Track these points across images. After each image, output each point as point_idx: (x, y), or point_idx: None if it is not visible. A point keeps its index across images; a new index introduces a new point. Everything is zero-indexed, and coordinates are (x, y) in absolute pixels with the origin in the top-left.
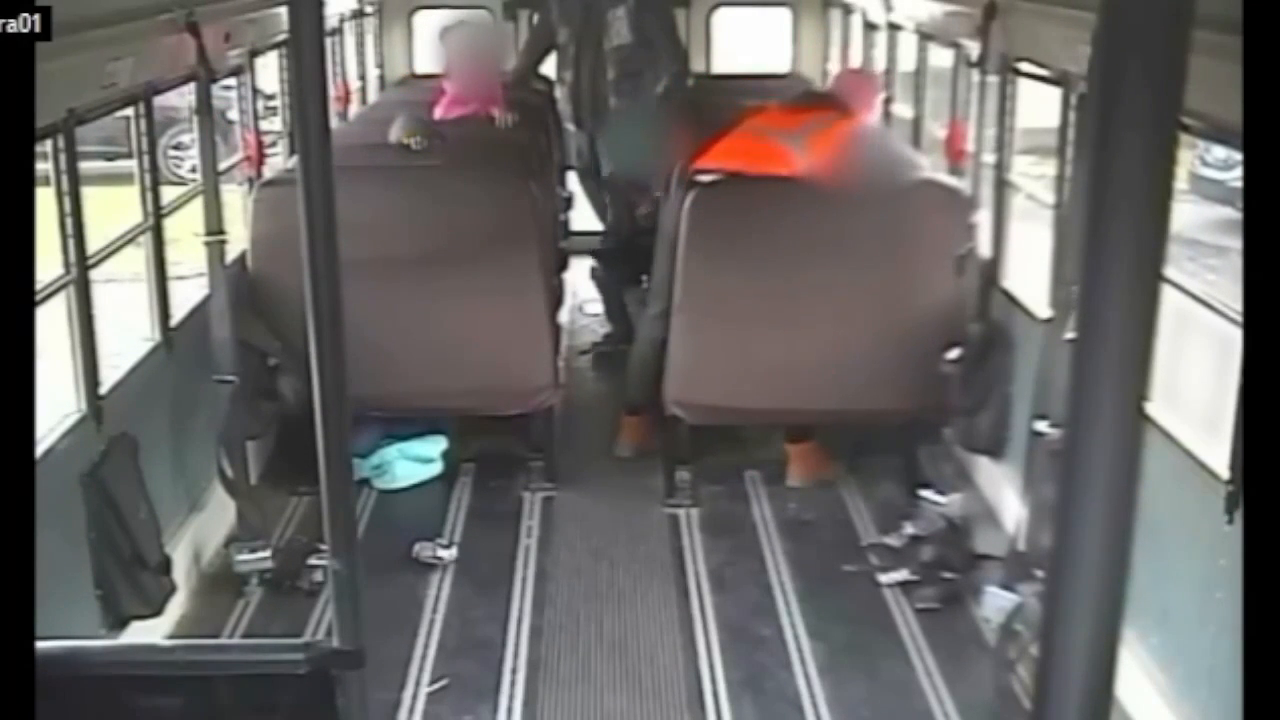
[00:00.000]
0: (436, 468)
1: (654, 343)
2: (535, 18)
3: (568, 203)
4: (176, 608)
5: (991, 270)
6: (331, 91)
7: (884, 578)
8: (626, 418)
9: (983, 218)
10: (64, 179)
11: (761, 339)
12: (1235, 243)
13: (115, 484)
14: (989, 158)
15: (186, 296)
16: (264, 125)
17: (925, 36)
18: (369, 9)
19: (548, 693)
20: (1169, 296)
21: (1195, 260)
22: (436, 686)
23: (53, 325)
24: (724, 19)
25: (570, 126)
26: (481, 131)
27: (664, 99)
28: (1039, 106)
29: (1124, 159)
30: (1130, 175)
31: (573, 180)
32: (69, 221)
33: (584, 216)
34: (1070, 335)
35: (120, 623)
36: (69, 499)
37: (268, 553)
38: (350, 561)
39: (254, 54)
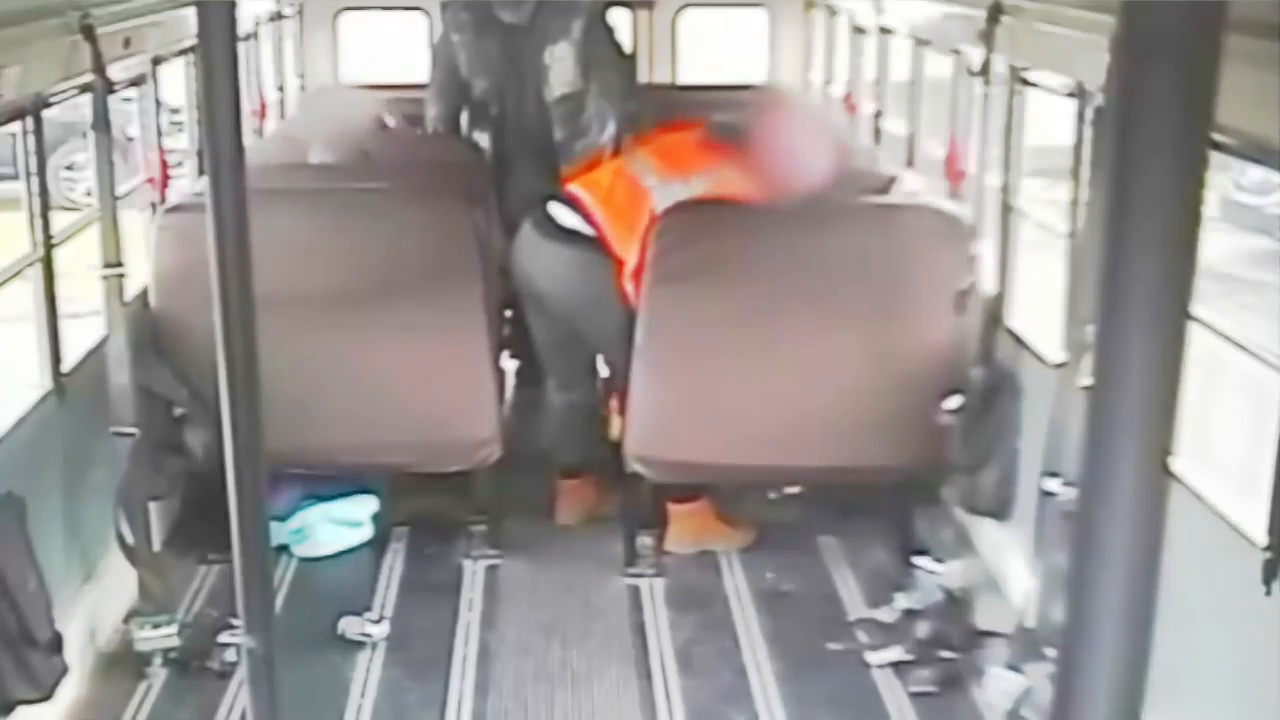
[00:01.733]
0: (365, 532)
1: (576, 404)
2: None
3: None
4: (69, 691)
5: (996, 308)
6: (245, 104)
7: (874, 657)
8: (564, 481)
9: (986, 248)
10: None
11: (736, 385)
12: (1273, 277)
13: None
14: (993, 180)
15: (81, 338)
16: (169, 143)
17: (921, 42)
18: (288, 11)
19: None
20: (1198, 337)
21: (1228, 297)
22: None
23: None
24: (693, 23)
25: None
26: (417, 150)
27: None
28: (1050, 122)
29: (1147, 181)
30: (1154, 200)
31: None
32: None
33: None
34: (1086, 382)
35: (5, 708)
36: None
37: (173, 629)
38: (266, 639)
39: (157, 61)
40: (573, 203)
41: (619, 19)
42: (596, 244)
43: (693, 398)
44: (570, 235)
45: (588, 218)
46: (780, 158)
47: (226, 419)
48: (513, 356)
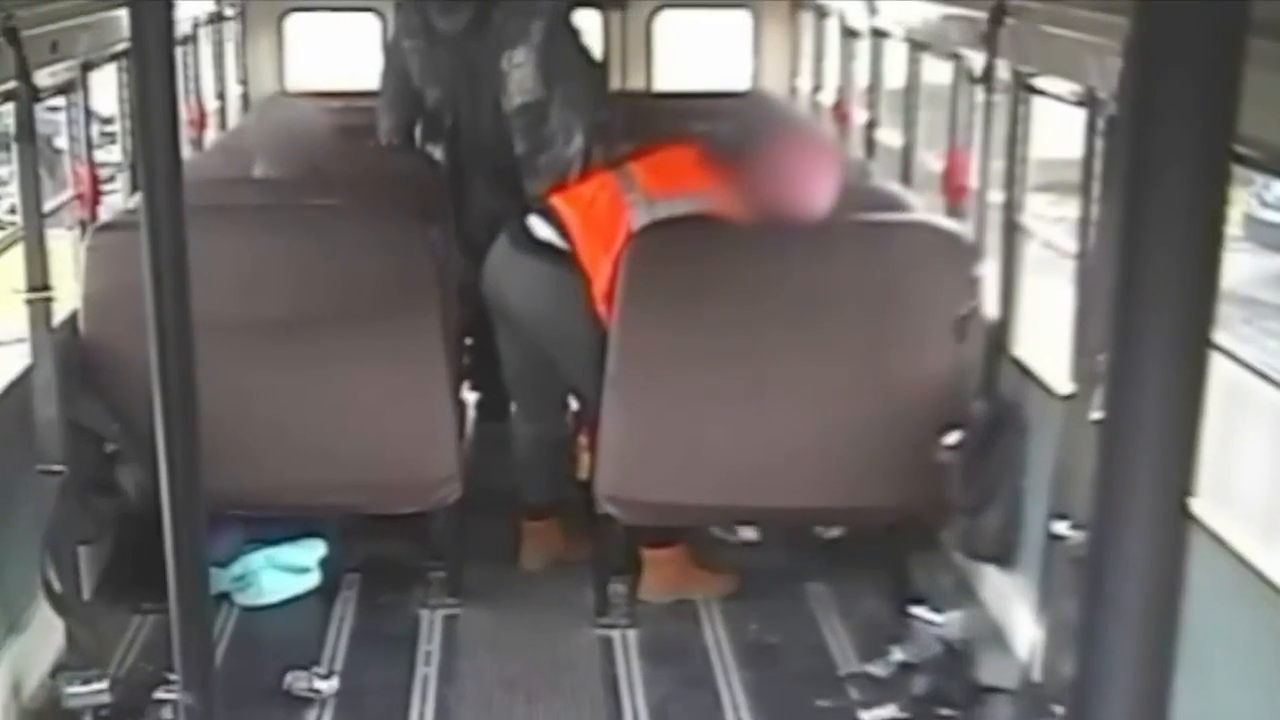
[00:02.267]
0: (313, 579)
1: (544, 438)
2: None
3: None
4: None
5: (999, 335)
6: (183, 114)
7: (867, 715)
8: (529, 523)
9: (989, 269)
10: None
11: (716, 419)
12: None
13: None
14: (996, 195)
15: (3, 367)
16: (100, 155)
17: (918, 46)
18: (229, 11)
19: None
20: (1219, 367)
21: (1251, 323)
22: None
23: None
24: (669, 25)
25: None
26: (369, 164)
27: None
28: (1058, 132)
29: (1164, 197)
30: (1172, 217)
31: None
32: None
33: None
34: (1097, 416)
35: None
36: None
37: (104, 684)
38: (206, 695)
39: (88, 67)
40: (551, 214)
41: (586, 21)
42: (570, 259)
43: (669, 433)
44: (543, 249)
45: (564, 231)
46: (782, 179)
47: (162, 456)
48: (474, 388)
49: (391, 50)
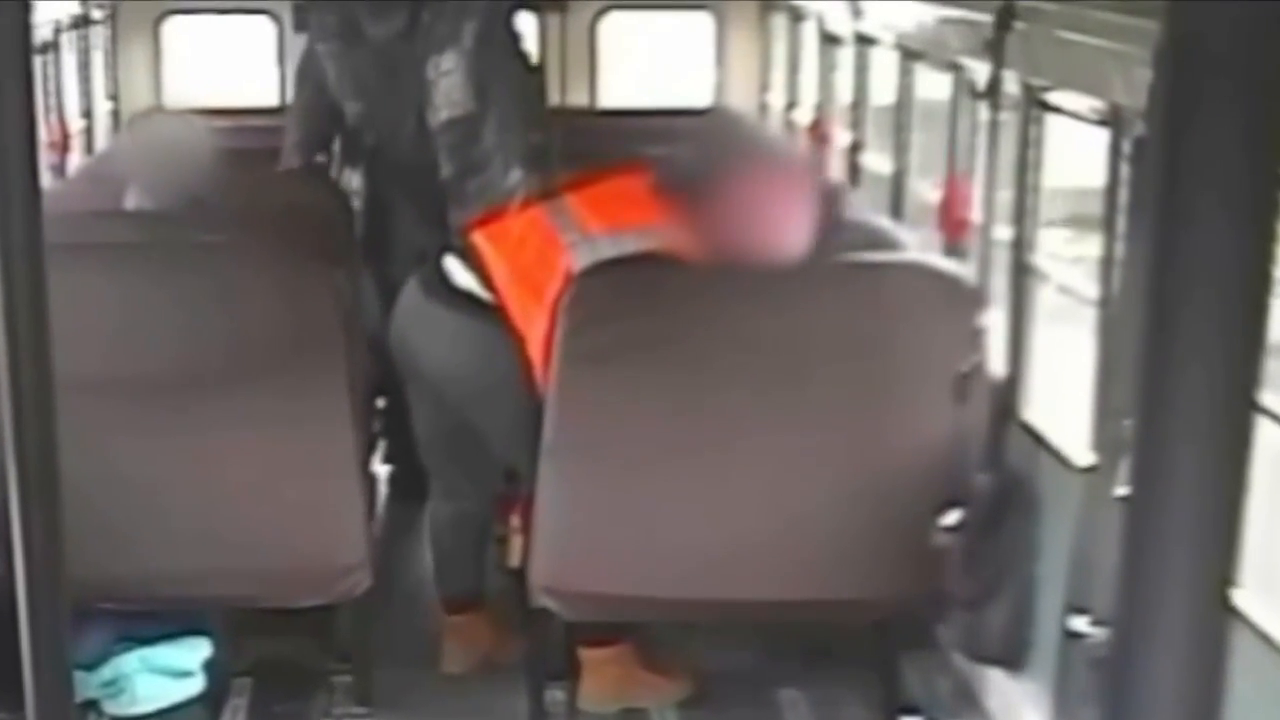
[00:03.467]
0: (197, 684)
1: (468, 519)
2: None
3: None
4: None
5: (1007, 396)
6: (43, 135)
7: None
8: (451, 619)
9: (994, 318)
10: None
11: (671, 496)
12: None
13: None
14: (1003, 231)
15: None
16: None
17: (910, 54)
18: (97, 14)
19: None
20: (1265, 434)
21: None
22: None
23: None
24: (617, 31)
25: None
26: (264, 193)
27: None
28: (1077, 157)
29: (1201, 233)
30: (1211, 258)
31: None
32: None
33: None
34: (1122, 491)
35: None
36: None
37: None
38: None
39: None
40: (471, 257)
41: (524, 25)
42: (495, 312)
43: (615, 512)
44: (462, 298)
45: (487, 277)
46: (749, 212)
47: (18, 539)
48: (386, 460)
49: (306, 59)
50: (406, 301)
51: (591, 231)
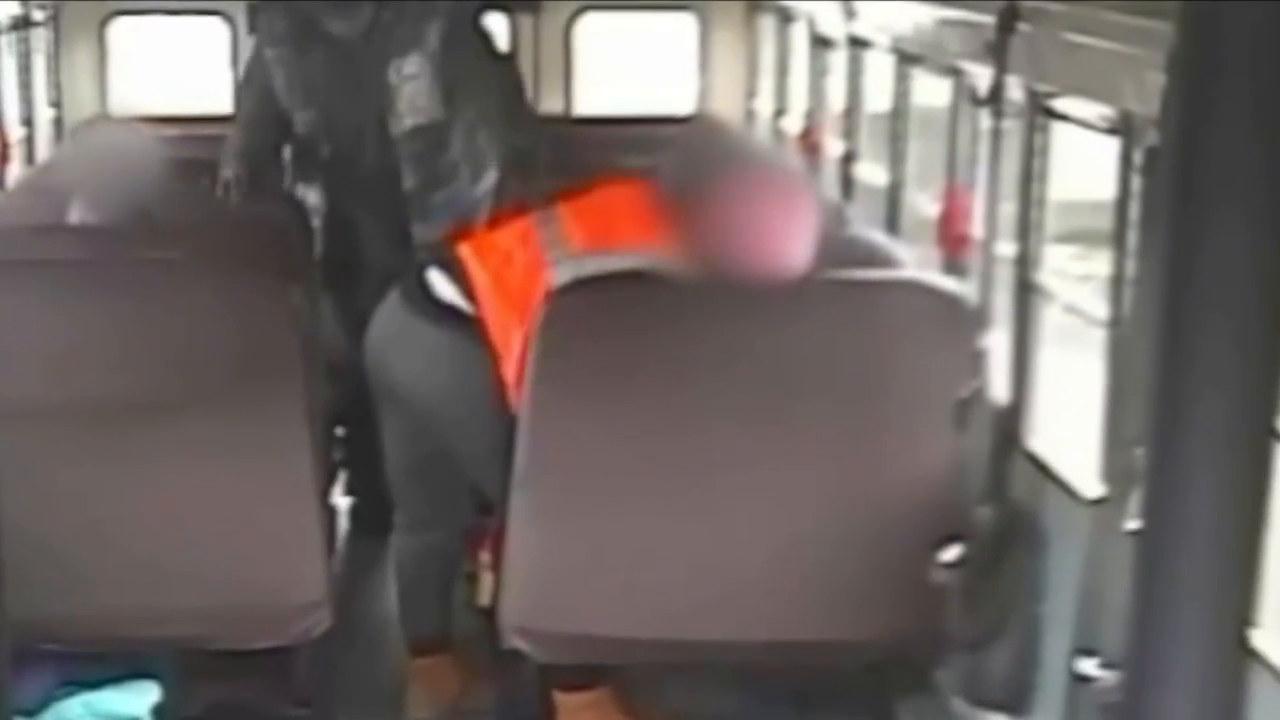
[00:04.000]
0: None
1: (434, 552)
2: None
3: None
4: None
5: (1010, 423)
6: None
7: None
8: (417, 661)
9: (996, 340)
10: None
11: (653, 531)
12: None
13: None
14: (1006, 247)
15: None
16: None
17: (908, 58)
18: (39, 15)
19: None
20: None
21: None
22: None
23: None
24: (594, 33)
25: None
26: (216, 207)
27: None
28: (1085, 168)
29: (1218, 249)
30: (1227, 275)
31: None
32: None
33: None
34: (1134, 525)
35: None
36: None
37: None
38: None
39: None
40: (456, 269)
41: (496, 25)
42: (476, 327)
43: (591, 547)
44: (446, 312)
45: (470, 291)
46: (740, 226)
47: None
48: (348, 491)
49: (253, 64)
50: (386, 315)
51: (577, 249)
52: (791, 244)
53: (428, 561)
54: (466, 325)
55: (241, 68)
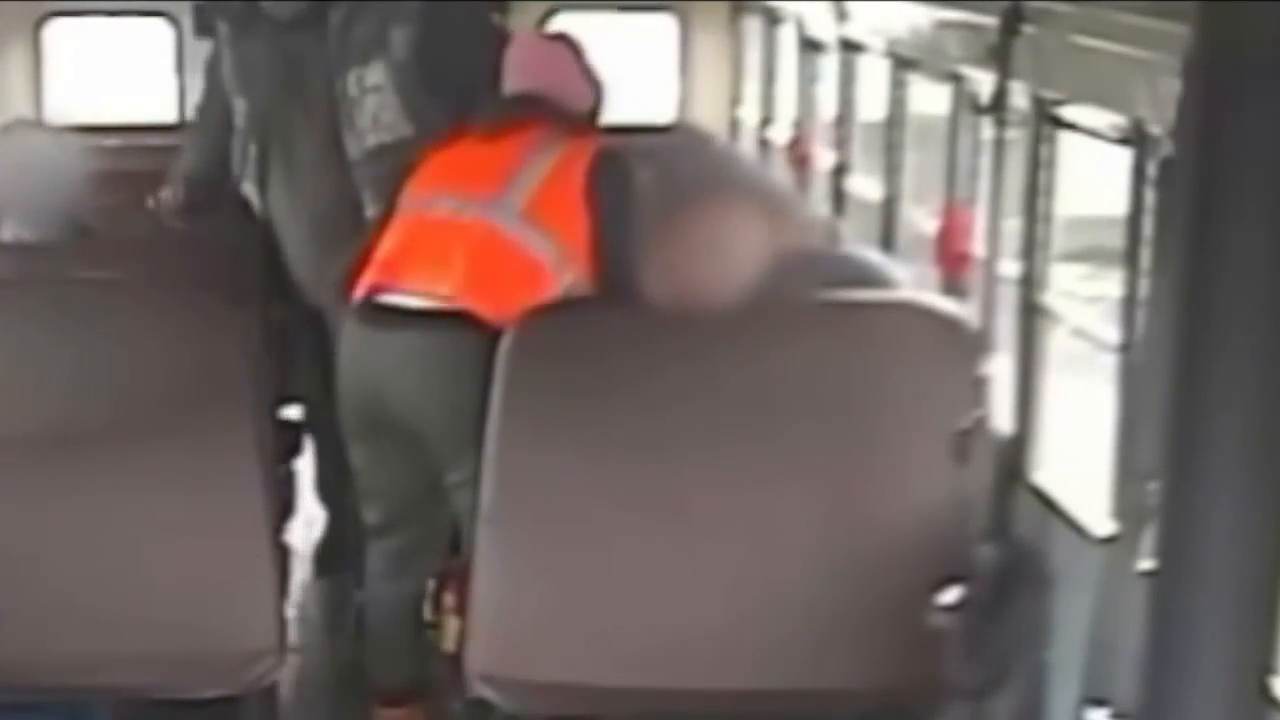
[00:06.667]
0: None
1: (406, 597)
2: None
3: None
4: None
5: (1014, 455)
6: None
7: None
8: (382, 712)
9: (999, 366)
10: None
11: (629, 572)
12: None
13: None
14: (1010, 266)
15: None
16: None
17: (904, 63)
18: None
19: None
20: None
21: None
22: None
23: None
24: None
25: None
26: (161, 222)
27: None
28: (1094, 181)
29: (1237, 267)
30: (1247, 296)
31: None
32: None
33: None
34: (1147, 565)
35: None
36: None
37: None
38: None
39: None
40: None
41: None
42: (462, 320)
43: (562, 590)
44: (419, 318)
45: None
46: (719, 244)
47: None
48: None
49: (213, 52)
50: (348, 342)
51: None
52: (776, 261)
53: (401, 609)
54: (447, 321)
55: (186, 73)
